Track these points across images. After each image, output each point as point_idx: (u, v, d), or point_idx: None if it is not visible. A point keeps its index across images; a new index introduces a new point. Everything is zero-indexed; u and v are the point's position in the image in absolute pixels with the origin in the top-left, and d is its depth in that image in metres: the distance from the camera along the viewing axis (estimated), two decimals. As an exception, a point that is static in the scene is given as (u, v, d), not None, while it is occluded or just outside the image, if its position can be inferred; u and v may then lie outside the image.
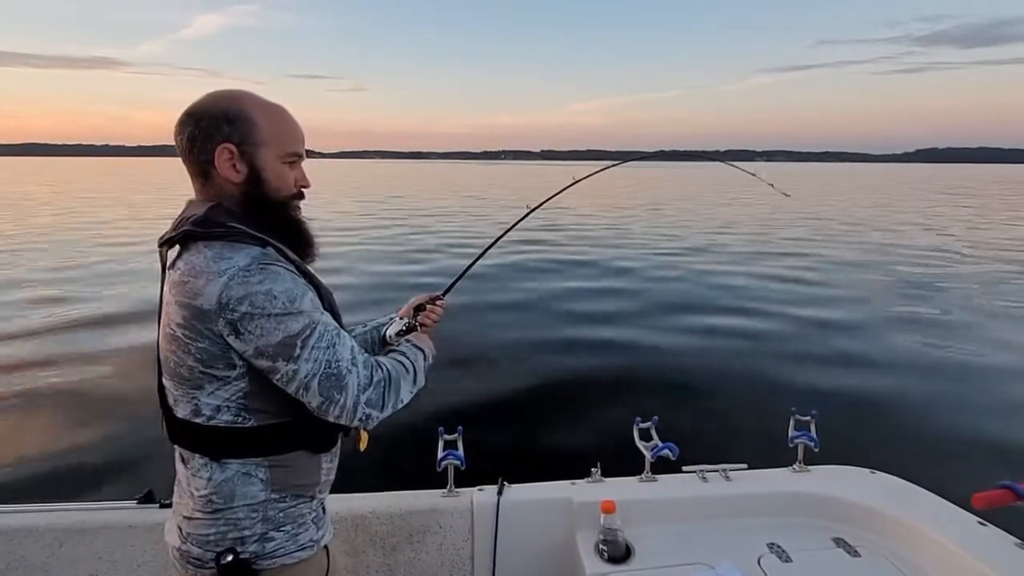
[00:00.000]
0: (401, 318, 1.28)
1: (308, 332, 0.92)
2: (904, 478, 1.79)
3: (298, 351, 0.91)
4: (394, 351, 1.15)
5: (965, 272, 10.02)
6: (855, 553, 1.55)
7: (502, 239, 1.58)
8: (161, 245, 0.98)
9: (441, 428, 1.76)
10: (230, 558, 0.95)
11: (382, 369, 1.02)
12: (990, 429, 4.01)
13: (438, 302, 1.33)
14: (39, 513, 1.63)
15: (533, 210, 1.64)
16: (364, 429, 0.99)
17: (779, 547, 1.58)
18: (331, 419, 0.96)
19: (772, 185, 2.13)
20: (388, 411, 1.01)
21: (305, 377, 0.92)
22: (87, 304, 7.34)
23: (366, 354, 1.02)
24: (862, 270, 10.17)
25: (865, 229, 16.39)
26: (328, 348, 0.94)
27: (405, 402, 1.06)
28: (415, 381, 1.10)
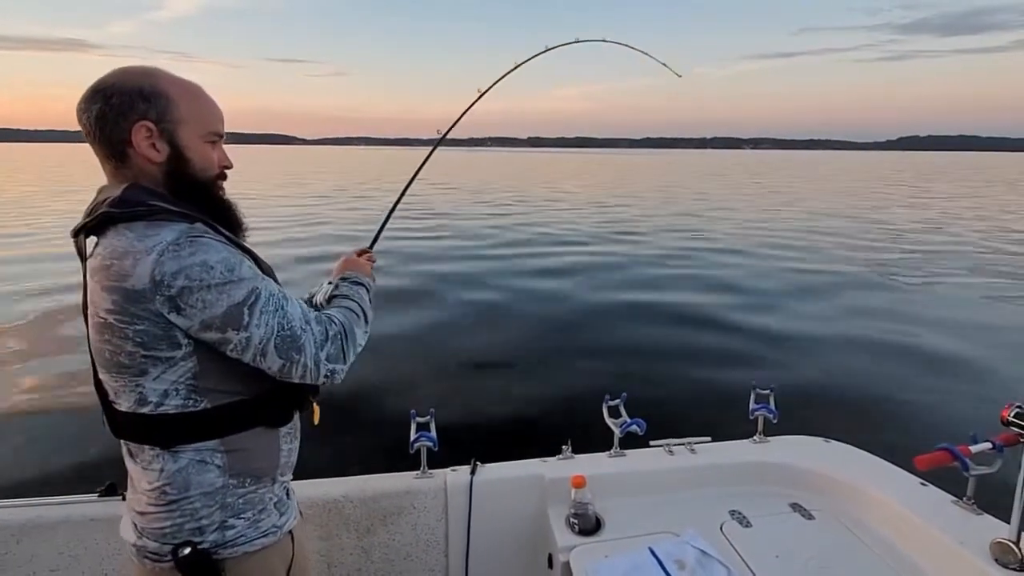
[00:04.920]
0: (330, 282, 1.19)
1: (253, 298, 0.89)
2: (855, 445, 1.90)
3: (247, 318, 0.88)
4: (337, 297, 1.11)
5: (911, 255, 10.50)
6: (809, 516, 1.64)
7: (412, 184, 1.65)
8: (76, 234, 0.91)
9: (413, 411, 1.76)
10: (187, 551, 0.91)
11: (334, 323, 0.99)
12: (930, 399, 4.28)
13: (366, 254, 1.31)
14: None
15: (436, 146, 1.86)
16: (331, 384, 0.98)
17: (740, 514, 1.65)
18: (296, 380, 0.94)
19: (666, 64, 2.17)
20: (350, 361, 1.00)
21: (260, 343, 0.89)
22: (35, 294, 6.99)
23: (316, 311, 1.00)
24: (817, 253, 10.53)
25: (817, 215, 16.92)
26: (277, 311, 0.91)
27: (363, 345, 1.05)
28: (366, 320, 1.08)
